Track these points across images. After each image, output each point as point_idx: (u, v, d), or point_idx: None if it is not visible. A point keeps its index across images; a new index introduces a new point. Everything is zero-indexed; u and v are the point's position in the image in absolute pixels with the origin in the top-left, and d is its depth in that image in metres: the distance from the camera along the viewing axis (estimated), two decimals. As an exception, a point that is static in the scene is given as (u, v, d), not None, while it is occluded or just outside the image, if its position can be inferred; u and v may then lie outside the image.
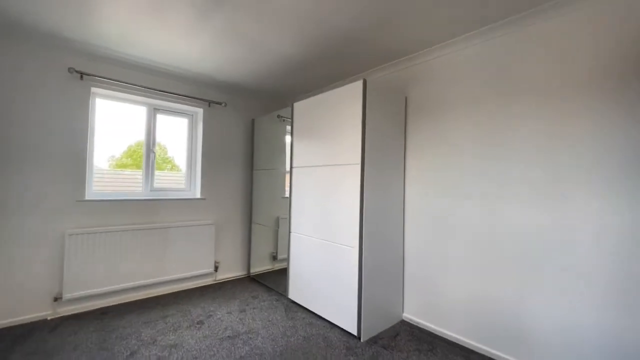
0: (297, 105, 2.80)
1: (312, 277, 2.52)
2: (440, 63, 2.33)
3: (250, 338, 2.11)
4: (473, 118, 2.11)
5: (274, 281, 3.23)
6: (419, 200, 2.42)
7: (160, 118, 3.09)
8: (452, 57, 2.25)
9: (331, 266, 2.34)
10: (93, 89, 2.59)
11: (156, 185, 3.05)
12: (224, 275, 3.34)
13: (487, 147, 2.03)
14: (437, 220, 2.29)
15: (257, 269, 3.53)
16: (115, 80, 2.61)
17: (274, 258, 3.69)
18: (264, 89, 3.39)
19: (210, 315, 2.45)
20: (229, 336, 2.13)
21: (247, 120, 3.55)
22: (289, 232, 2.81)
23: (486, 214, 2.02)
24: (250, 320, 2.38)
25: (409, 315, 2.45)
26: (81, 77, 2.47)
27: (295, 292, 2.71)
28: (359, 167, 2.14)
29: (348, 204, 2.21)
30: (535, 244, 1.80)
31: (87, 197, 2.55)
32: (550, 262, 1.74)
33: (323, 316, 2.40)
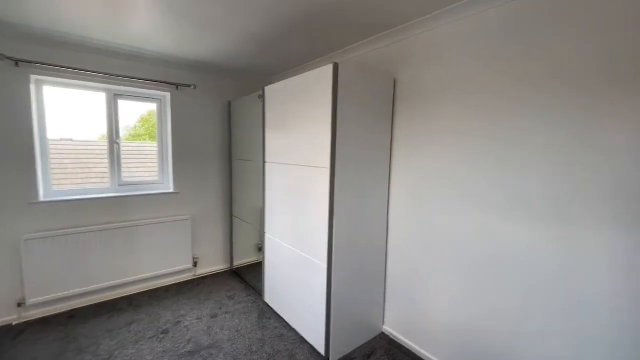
0: (269, 89, 2.40)
1: (285, 285, 2.32)
2: (436, 36, 1.84)
3: (211, 355, 1.97)
4: (474, 109, 1.67)
5: (256, 276, 3.08)
6: (405, 207, 2.07)
7: (123, 104, 2.78)
8: (452, 28, 1.75)
9: (301, 278, 2.10)
10: (35, 77, 2.29)
11: (125, 179, 2.83)
12: (204, 269, 3.22)
13: (488, 148, 1.63)
14: (423, 231, 1.96)
15: (241, 261, 3.39)
16: (60, 67, 2.29)
17: (260, 249, 3.53)
18: (239, 68, 2.97)
19: (179, 322, 2.33)
20: (189, 352, 2.00)
21: (222, 103, 3.18)
22: (264, 232, 2.57)
23: (479, 230, 1.67)
24: (218, 330, 2.24)
25: (389, 328, 2.23)
26: (16, 64, 2.16)
27: (271, 296, 2.54)
28: (327, 171, 1.80)
29: (316, 216, 1.91)
30: (533, 269, 1.46)
31: (42, 199, 2.37)
32: (548, 292, 1.41)
33: (295, 328, 2.23)
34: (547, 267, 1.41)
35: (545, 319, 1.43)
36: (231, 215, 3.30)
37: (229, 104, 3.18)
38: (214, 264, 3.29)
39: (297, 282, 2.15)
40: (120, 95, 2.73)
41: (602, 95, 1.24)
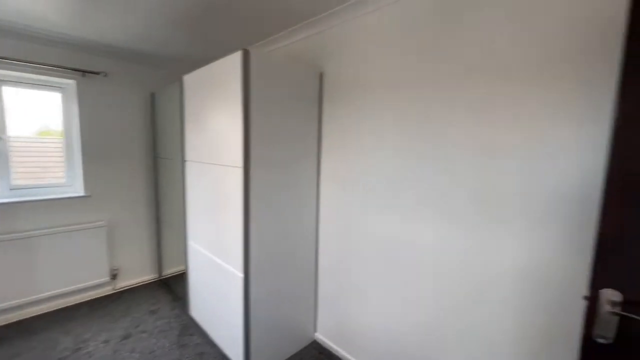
0: (187, 78, 2.14)
1: (207, 296, 2.09)
2: (361, 25, 1.72)
3: (111, 386, 1.70)
4: (400, 105, 1.58)
5: (185, 286, 2.80)
6: (336, 208, 1.96)
7: (14, 93, 2.33)
8: (378, 16, 1.64)
9: (221, 289, 1.90)
10: None
11: (17, 182, 2.39)
12: (127, 281, 2.87)
13: (413, 146, 1.55)
14: (353, 233, 1.86)
15: (172, 269, 3.08)
16: None
17: (196, 256, 3.23)
18: (162, 56, 2.65)
19: (79, 348, 2.00)
20: (84, 384, 1.71)
21: (143, 94, 2.83)
22: (185, 239, 2.32)
23: (407, 234, 1.59)
24: (127, 354, 1.96)
25: (321, 336, 2.12)
26: None
27: (196, 309, 2.30)
28: (240, 171, 1.61)
29: (231, 221, 1.72)
30: (455, 277, 1.41)
31: None
32: (473, 303, 1.37)
33: (218, 343, 2.02)
34: (463, 270, 1.37)
35: (462, 323, 1.39)
36: (158, 220, 2.97)
37: (152, 95, 2.84)
38: (139, 275, 2.95)
39: (217, 293, 1.94)
40: (5, 81, 2.28)
41: (525, 90, 1.20)
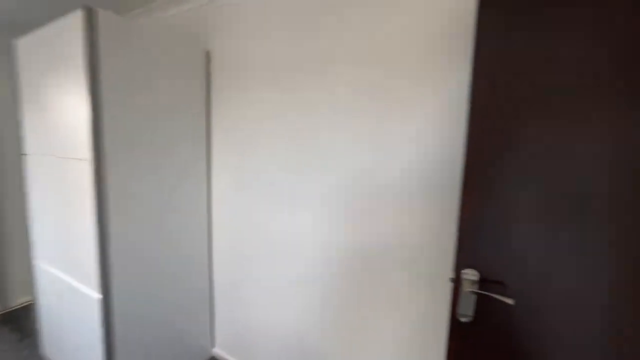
0: (22, 44, 1.61)
1: (63, 329, 1.63)
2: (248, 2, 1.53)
3: None
4: (283, 90, 1.46)
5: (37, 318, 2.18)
6: (229, 206, 1.73)
7: None
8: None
9: (77, 317, 1.49)
10: None
11: None
12: (-56, 324, 2.08)
13: (292, 138, 1.44)
14: (248, 233, 1.67)
15: (24, 298, 2.37)
16: None
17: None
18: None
19: None
20: None
21: (-38, 65, 2.08)
22: (31, 258, 1.77)
23: (293, 230, 1.48)
24: None
25: (220, 350, 1.88)
26: None
27: (50, 346, 1.78)
28: (88, 165, 1.25)
29: (84, 229, 1.34)
30: (342, 269, 1.37)
31: None
32: (358, 296, 1.34)
33: (78, 387, 1.59)
34: (345, 262, 1.33)
35: (351, 317, 1.36)
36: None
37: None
38: (-35, 312, 2.17)
39: (74, 322, 1.52)
40: None
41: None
